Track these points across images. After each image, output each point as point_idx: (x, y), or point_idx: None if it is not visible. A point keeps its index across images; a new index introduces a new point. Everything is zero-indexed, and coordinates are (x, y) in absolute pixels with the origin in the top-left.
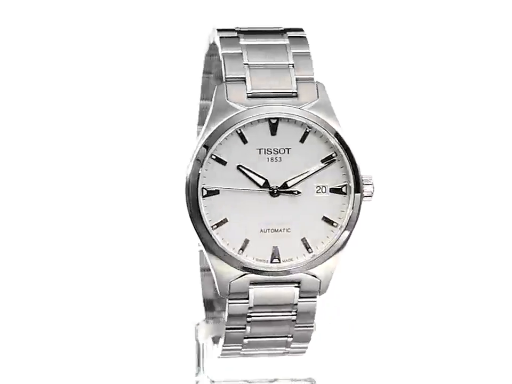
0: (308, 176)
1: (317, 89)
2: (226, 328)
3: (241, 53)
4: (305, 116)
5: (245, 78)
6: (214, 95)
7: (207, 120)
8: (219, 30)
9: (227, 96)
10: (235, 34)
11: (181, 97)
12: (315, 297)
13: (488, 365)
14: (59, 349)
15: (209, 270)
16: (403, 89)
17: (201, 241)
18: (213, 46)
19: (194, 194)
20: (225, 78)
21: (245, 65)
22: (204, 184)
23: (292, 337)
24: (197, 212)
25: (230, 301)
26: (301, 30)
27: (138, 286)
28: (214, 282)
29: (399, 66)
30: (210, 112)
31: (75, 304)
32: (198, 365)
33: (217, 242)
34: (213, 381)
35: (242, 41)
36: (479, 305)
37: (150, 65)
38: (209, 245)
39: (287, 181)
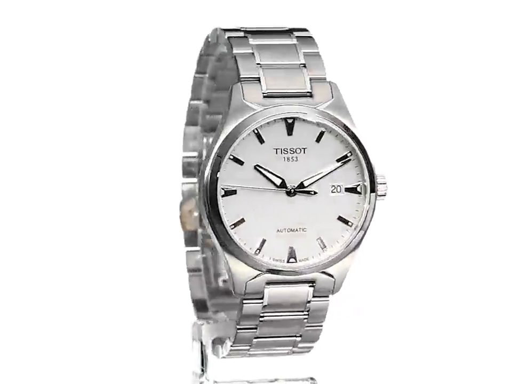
0: (324, 175)
1: (331, 89)
2: (238, 328)
3: (253, 53)
4: (321, 116)
5: (259, 78)
6: (229, 95)
7: (224, 119)
8: (226, 30)
9: (243, 96)
10: (242, 34)
11: (165, 97)
12: (328, 296)
13: (490, 366)
14: (50, 352)
15: (198, 270)
16: (404, 89)
17: (219, 241)
18: (212, 46)
19: (214, 194)
20: (240, 78)
21: (257, 65)
22: (221, 184)
23: (300, 336)
24: (215, 212)
25: (245, 301)
26: (306, 30)
27: (124, 286)
28: (205, 282)
29: (397, 65)
30: (227, 111)
31: (63, 305)
32: (202, 365)
33: (236, 242)
34: (216, 382)
35: (252, 41)
36: (483, 306)
37: (137, 66)
38: (227, 245)
39: (303, 181)
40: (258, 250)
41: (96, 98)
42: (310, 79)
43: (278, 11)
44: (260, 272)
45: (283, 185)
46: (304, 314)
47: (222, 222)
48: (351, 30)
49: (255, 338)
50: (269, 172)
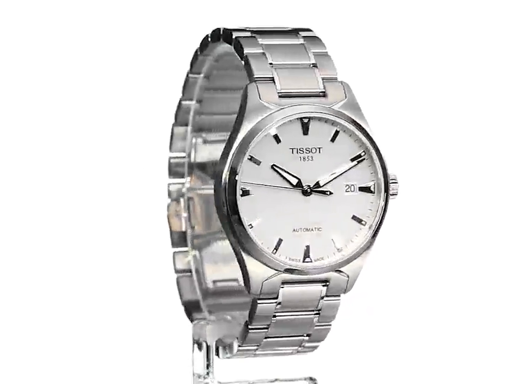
0: (339, 175)
1: (344, 89)
2: (250, 329)
3: (264, 53)
4: (336, 115)
5: (273, 77)
6: (244, 95)
7: (240, 119)
8: (234, 30)
9: (260, 96)
10: (249, 34)
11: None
12: (339, 295)
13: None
14: (46, 353)
15: (187, 271)
16: (404, 88)
17: (238, 241)
18: (211, 45)
19: (233, 194)
20: (254, 78)
21: (270, 65)
22: (240, 184)
23: (308, 336)
24: (235, 212)
25: (260, 301)
26: (311, 30)
27: (111, 287)
28: (197, 283)
29: (396, 65)
30: (244, 111)
31: (57, 308)
32: (208, 367)
33: (254, 242)
34: (220, 382)
35: (261, 41)
36: (494, 307)
37: (121, 66)
38: (245, 244)
39: (319, 180)
40: (275, 250)
41: (81, 98)
42: (323, 79)
43: (265, 11)
44: (277, 271)
45: (299, 184)
46: (316, 314)
47: (241, 222)
48: (343, 30)
49: (265, 338)
50: (285, 171)
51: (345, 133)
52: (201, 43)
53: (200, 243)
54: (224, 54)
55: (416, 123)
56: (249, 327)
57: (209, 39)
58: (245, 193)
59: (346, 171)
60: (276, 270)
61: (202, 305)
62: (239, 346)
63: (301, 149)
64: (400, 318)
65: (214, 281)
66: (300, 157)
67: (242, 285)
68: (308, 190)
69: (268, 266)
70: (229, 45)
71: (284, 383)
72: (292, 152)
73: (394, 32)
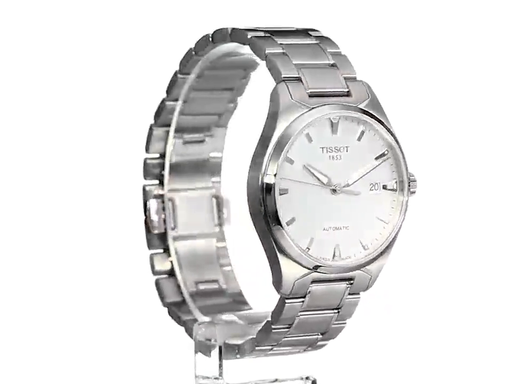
0: (365, 174)
1: (366, 88)
2: (273, 329)
3: (285, 53)
4: (362, 115)
5: (299, 77)
6: (275, 94)
7: (274, 118)
8: (248, 30)
9: (291, 96)
10: (263, 34)
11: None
12: (359, 293)
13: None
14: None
15: (167, 272)
16: (404, 88)
17: (274, 241)
18: (210, 46)
19: (271, 194)
20: (283, 77)
21: (294, 65)
22: (278, 183)
23: (322, 334)
24: (273, 211)
25: (288, 301)
26: (317, 30)
27: (88, 290)
28: (182, 284)
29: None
30: (277, 111)
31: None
32: (220, 367)
33: (290, 242)
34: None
35: (278, 40)
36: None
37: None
38: (281, 244)
39: (348, 179)
40: (307, 249)
41: (56, 98)
42: (345, 79)
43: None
44: (309, 270)
45: (329, 183)
46: (336, 312)
47: (279, 221)
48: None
49: (283, 337)
50: (316, 170)
51: (370, 132)
52: (198, 43)
53: (179, 244)
54: (222, 55)
55: (416, 123)
56: (273, 327)
57: (211, 39)
58: (282, 192)
59: (372, 170)
60: (308, 269)
61: (190, 306)
62: (256, 346)
63: (330, 148)
64: (401, 316)
65: (196, 283)
66: (330, 156)
67: (223, 286)
68: (338, 189)
69: (301, 265)
70: (239, 45)
71: (284, 383)
72: (322, 152)
73: (389, 32)
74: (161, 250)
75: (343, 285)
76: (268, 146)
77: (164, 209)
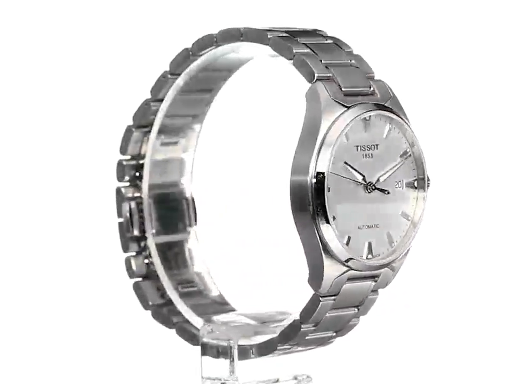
0: (393, 171)
1: (388, 87)
2: (302, 328)
3: (312, 52)
4: (390, 113)
5: (330, 76)
6: (316, 93)
7: (318, 118)
8: (267, 30)
9: (330, 95)
10: (283, 34)
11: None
12: (378, 290)
13: None
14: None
15: (146, 276)
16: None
17: (320, 239)
18: (214, 46)
19: (321, 191)
20: (317, 77)
21: (323, 64)
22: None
23: (336, 332)
24: (323, 209)
25: (323, 299)
26: (323, 30)
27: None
28: (158, 288)
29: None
30: (320, 109)
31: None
32: (233, 369)
33: (335, 239)
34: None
35: (300, 40)
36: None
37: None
38: (326, 241)
39: (379, 177)
40: (347, 247)
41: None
42: (367, 78)
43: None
44: (347, 268)
45: (364, 181)
46: (356, 310)
47: (327, 219)
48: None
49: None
50: (353, 168)
51: (395, 129)
52: (199, 43)
53: (156, 246)
54: (220, 56)
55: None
56: (303, 326)
57: (215, 40)
58: (329, 190)
59: (398, 167)
60: (348, 267)
61: (178, 307)
62: (278, 346)
63: (363, 147)
64: (399, 316)
65: (178, 284)
66: (363, 154)
67: (201, 287)
68: (371, 187)
69: (342, 263)
70: (235, 45)
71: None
72: (357, 150)
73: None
74: (138, 253)
75: (369, 282)
76: (314, 146)
77: (141, 211)
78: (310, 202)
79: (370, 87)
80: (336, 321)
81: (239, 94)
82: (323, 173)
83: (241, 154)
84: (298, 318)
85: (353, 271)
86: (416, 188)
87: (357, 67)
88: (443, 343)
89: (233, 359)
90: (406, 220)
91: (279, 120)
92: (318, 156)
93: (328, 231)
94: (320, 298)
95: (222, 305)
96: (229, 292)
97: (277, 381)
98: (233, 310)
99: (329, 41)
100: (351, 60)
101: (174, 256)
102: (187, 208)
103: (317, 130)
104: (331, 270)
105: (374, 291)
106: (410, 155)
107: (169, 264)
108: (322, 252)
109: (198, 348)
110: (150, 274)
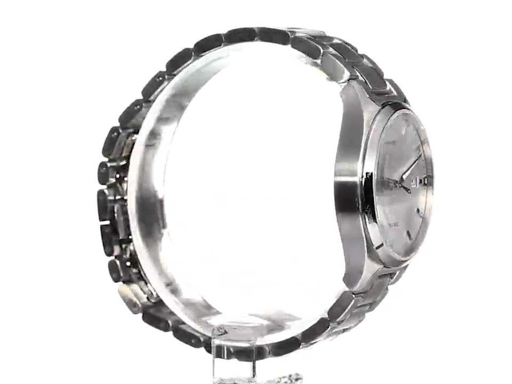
0: (411, 168)
1: (399, 87)
2: (330, 326)
3: (338, 52)
4: (408, 111)
5: (358, 76)
6: (353, 92)
7: (359, 115)
8: (291, 31)
9: (365, 93)
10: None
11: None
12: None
13: None
14: None
15: (131, 280)
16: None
17: (365, 237)
18: (223, 46)
19: (370, 192)
20: (350, 76)
21: (349, 64)
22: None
23: (346, 329)
24: (373, 209)
25: (356, 296)
26: (323, 31)
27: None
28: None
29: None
30: (360, 107)
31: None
32: (254, 369)
33: (381, 238)
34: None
35: (322, 41)
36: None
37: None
38: (372, 240)
39: (402, 174)
40: (381, 245)
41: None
42: (381, 77)
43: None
44: (380, 266)
45: (392, 179)
46: (370, 306)
47: (375, 218)
48: None
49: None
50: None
51: (410, 127)
52: (206, 42)
53: (141, 248)
54: (217, 57)
55: None
56: (331, 324)
57: (224, 40)
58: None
59: (413, 164)
60: (383, 264)
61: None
62: (300, 345)
63: (388, 142)
64: (398, 318)
65: (167, 285)
66: (386, 151)
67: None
68: (398, 185)
69: (380, 262)
70: (231, 47)
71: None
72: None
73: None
74: (120, 256)
75: (388, 279)
76: (359, 146)
77: (126, 213)
78: (359, 202)
79: (386, 86)
80: (356, 317)
81: (214, 99)
82: (371, 173)
83: (216, 157)
84: (324, 316)
85: (385, 268)
86: (426, 184)
87: (371, 67)
88: (443, 343)
89: (254, 359)
90: (419, 217)
91: (250, 124)
92: (364, 156)
93: (374, 231)
94: (353, 296)
95: (206, 308)
96: (209, 294)
97: (251, 380)
98: (218, 312)
99: (337, 41)
100: (363, 59)
101: (155, 258)
102: (160, 211)
103: (360, 130)
104: (369, 268)
105: (386, 288)
106: (421, 153)
107: (153, 266)
108: (366, 251)
109: (193, 349)
110: (135, 277)
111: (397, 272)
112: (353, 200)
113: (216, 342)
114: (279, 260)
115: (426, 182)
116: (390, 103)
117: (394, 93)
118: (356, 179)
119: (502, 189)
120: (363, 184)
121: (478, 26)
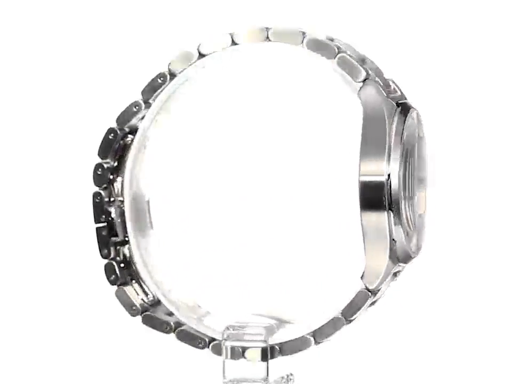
0: (421, 166)
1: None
2: (345, 324)
3: (350, 54)
4: (415, 109)
5: (372, 77)
6: (377, 91)
7: (381, 118)
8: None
9: (385, 94)
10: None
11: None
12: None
13: None
14: None
15: (126, 282)
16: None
17: (389, 235)
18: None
19: (396, 190)
20: (367, 76)
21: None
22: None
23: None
24: (398, 207)
25: (372, 295)
26: None
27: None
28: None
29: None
30: (382, 106)
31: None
32: (267, 369)
33: (404, 237)
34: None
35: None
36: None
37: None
38: (396, 239)
39: (419, 175)
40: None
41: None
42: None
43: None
44: (397, 265)
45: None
46: (372, 303)
47: (400, 218)
48: None
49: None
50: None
51: (420, 126)
52: (214, 41)
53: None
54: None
55: None
56: (345, 322)
57: (231, 41)
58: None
59: (417, 162)
60: (400, 263)
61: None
62: (315, 343)
63: (406, 142)
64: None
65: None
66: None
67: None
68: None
69: (398, 261)
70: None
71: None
72: None
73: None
74: (117, 258)
75: (393, 276)
76: (384, 146)
77: (123, 214)
78: (385, 202)
79: (391, 86)
80: (364, 314)
81: (198, 102)
82: (397, 172)
83: (201, 159)
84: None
85: (399, 266)
86: (421, 184)
87: (377, 67)
88: (443, 343)
89: (268, 359)
90: (422, 219)
91: (250, 124)
92: (389, 155)
93: (398, 230)
94: (369, 294)
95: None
96: (209, 295)
97: (266, 379)
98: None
99: (340, 43)
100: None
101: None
102: (148, 212)
103: (383, 130)
104: (388, 267)
105: (389, 285)
106: (420, 151)
107: (144, 267)
108: (389, 250)
109: (193, 350)
110: (131, 279)
111: (401, 270)
112: (380, 199)
113: (227, 343)
114: (288, 259)
115: (422, 182)
116: (401, 102)
117: (399, 92)
118: (383, 178)
119: (502, 189)
120: (390, 183)
121: (478, 26)
